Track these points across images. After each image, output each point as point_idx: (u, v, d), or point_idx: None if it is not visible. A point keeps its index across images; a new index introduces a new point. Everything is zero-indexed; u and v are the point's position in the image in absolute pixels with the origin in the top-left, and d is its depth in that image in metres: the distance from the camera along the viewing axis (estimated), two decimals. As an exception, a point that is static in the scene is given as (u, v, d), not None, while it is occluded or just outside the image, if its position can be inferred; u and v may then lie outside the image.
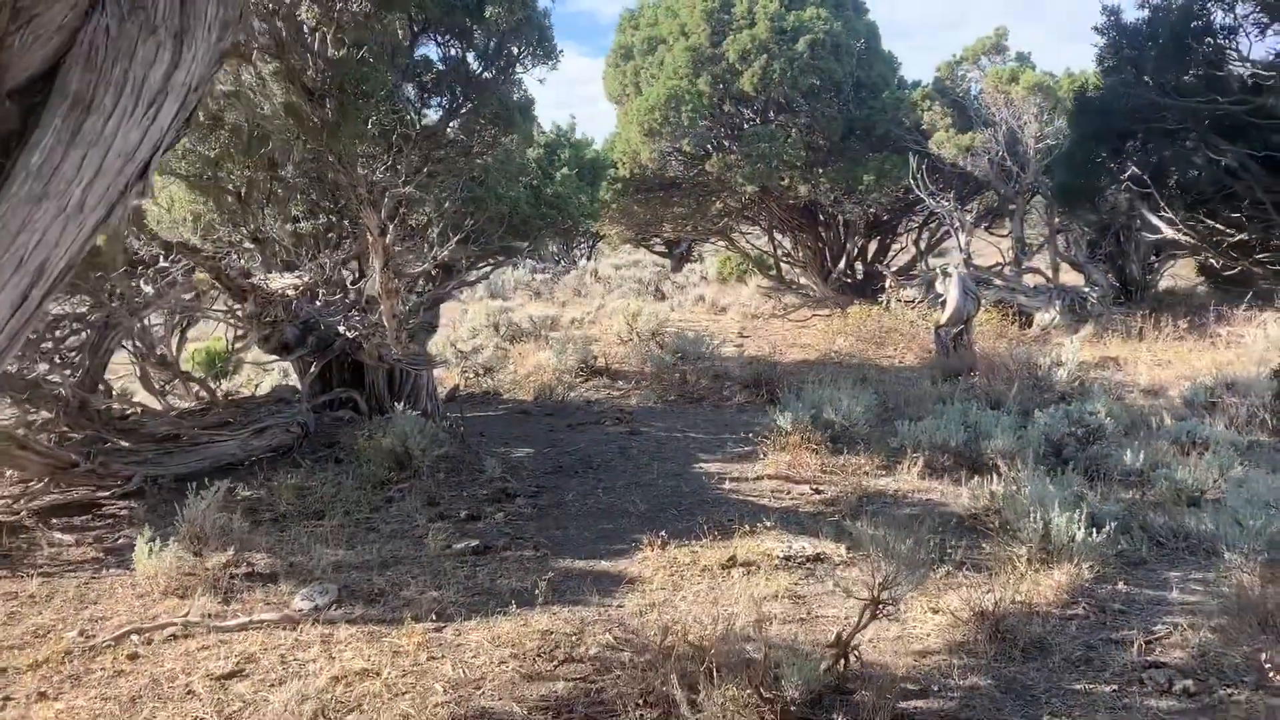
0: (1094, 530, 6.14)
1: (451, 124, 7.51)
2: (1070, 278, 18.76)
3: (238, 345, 8.72)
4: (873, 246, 21.41)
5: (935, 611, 5.77)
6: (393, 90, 6.05)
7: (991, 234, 21.90)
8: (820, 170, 16.46)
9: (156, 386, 10.36)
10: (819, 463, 9.06)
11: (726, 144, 17.22)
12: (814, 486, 8.51)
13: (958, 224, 13.70)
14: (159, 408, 10.16)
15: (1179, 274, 22.67)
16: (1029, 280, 17.00)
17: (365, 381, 11.26)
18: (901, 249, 21.55)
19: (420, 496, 8.51)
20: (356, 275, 8.24)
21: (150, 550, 6.75)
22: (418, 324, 11.65)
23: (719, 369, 14.31)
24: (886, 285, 17.85)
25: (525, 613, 5.90)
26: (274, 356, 9.72)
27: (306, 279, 7.16)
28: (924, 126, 15.21)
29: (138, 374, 10.37)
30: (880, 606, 4.75)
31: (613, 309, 22.91)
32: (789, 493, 8.50)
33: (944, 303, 13.97)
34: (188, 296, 8.80)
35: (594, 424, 11.63)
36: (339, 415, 11.06)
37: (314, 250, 6.75)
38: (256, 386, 13.56)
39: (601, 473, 9.33)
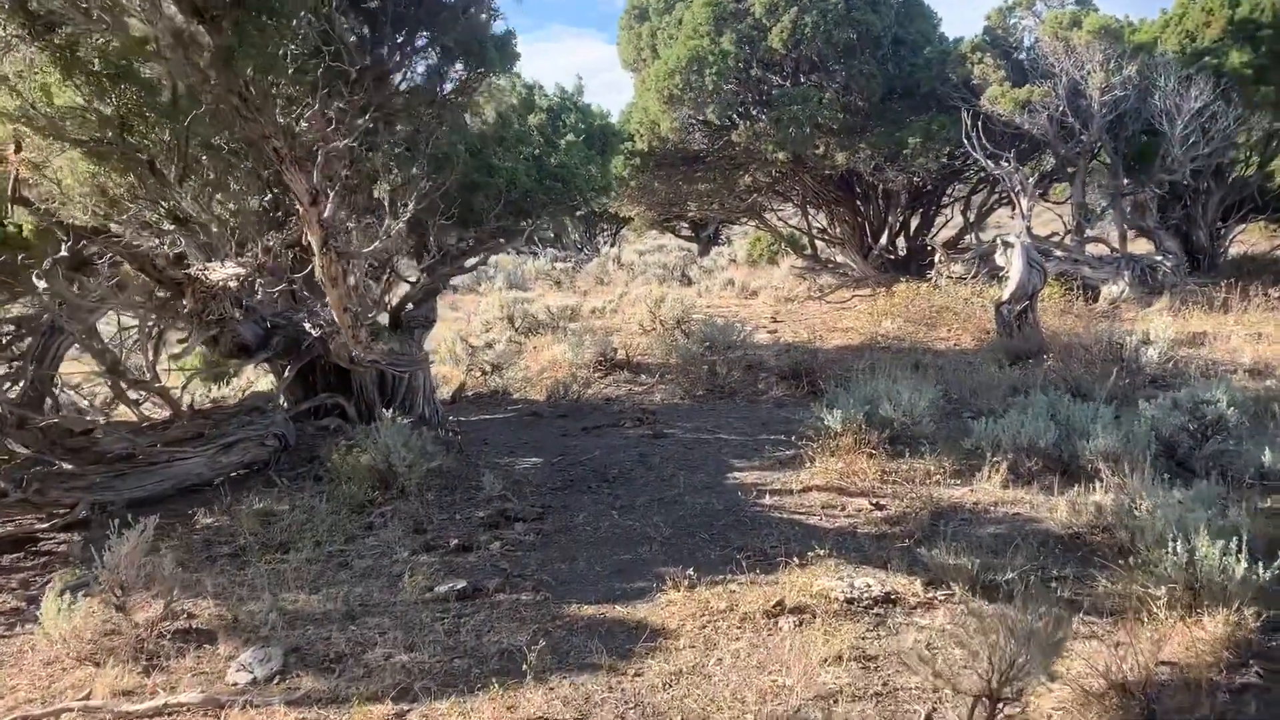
0: (1256, 562, 4.66)
1: (408, 62, 6.09)
2: (1133, 247, 17.11)
3: (176, 352, 7.40)
4: (915, 220, 19.81)
5: (1054, 679, 4.32)
6: (317, 9, 4.69)
7: (1045, 201, 20.24)
8: (859, 135, 14.92)
9: (110, 398, 9.11)
10: (877, 469, 7.62)
11: (754, 111, 15.71)
12: (874, 500, 7.07)
13: (1019, 188, 12.16)
14: (114, 421, 8.90)
15: (1246, 239, 20.92)
16: (1092, 250, 15.40)
17: (353, 385, 9.94)
18: (947, 221, 19.94)
19: (405, 522, 7.18)
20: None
21: (59, 607, 5.46)
22: (408, 317, 10.32)
23: (752, 359, 12.86)
24: (935, 260, 16.31)
25: (514, 688, 4.53)
26: (234, 360, 8.38)
27: (248, 267, 5.82)
28: (974, 82, 13.65)
29: (90, 386, 9.14)
30: (1000, 705, 3.33)
31: (635, 296, 21.51)
32: (843, 508, 7.06)
33: (1005, 277, 12.44)
34: (139, 298, 7.49)
35: (612, 426, 10.24)
36: (324, 424, 9.75)
37: (256, 231, 5.43)
38: (245, 392, 12.28)
39: (619, 487, 7.93)
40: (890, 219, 18.20)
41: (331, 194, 4.80)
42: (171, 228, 5.14)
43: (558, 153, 9.64)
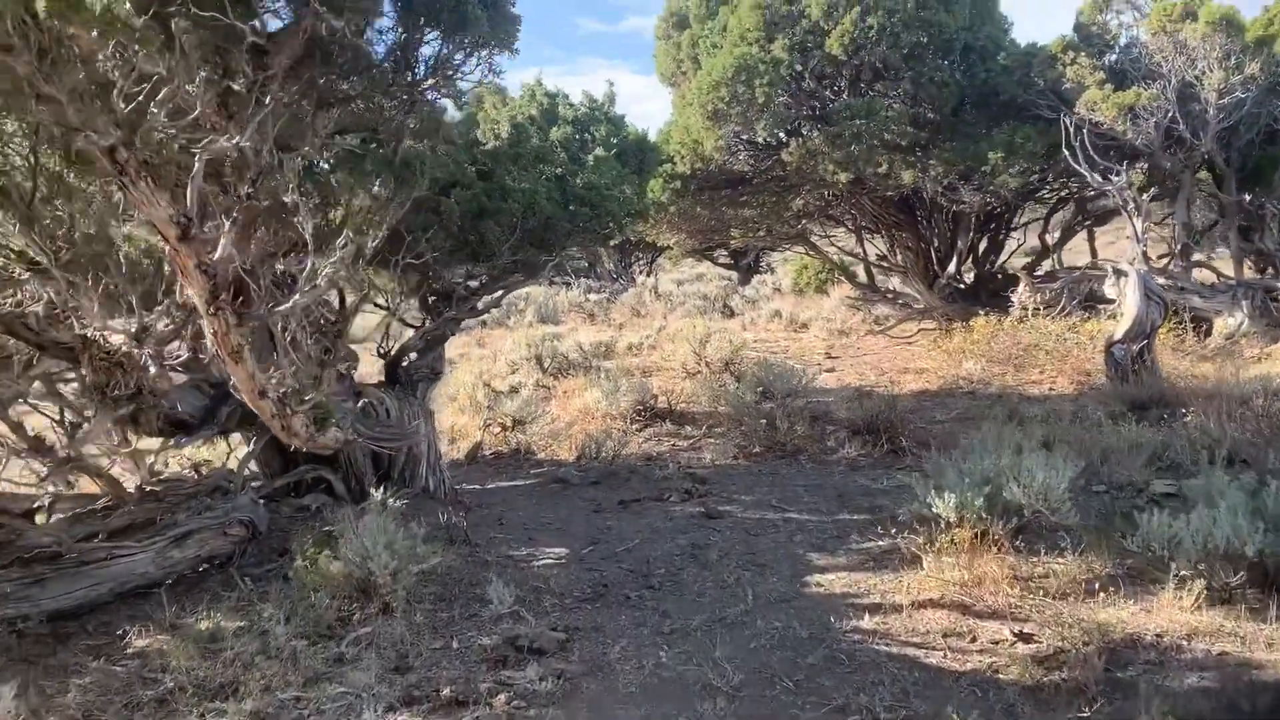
0: None
1: (351, 28, 4.34)
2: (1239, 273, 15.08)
3: (78, 436, 5.71)
4: (982, 245, 17.91)
5: None
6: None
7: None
8: (928, 151, 13.12)
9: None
10: (1010, 577, 5.75)
11: (807, 127, 13.95)
12: (1015, 628, 5.20)
13: (1132, 206, 10.33)
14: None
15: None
16: (1198, 276, 13.46)
17: (340, 454, 8.24)
18: (1019, 246, 18.02)
19: (385, 653, 5.43)
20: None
21: None
22: (409, 370, 8.63)
23: (816, 407, 11.03)
24: (1019, 290, 14.41)
25: None
26: (168, 440, 6.68)
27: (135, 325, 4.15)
28: (1065, 86, 11.83)
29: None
30: None
31: (675, 330, 19.76)
32: (974, 637, 5.21)
33: (1118, 312, 10.55)
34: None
35: (654, 500, 8.43)
36: (304, 504, 8.03)
37: (130, 278, 3.80)
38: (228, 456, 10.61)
39: (667, 597, 6.12)
40: (959, 244, 16.31)
41: (228, 224, 3.11)
42: (25, 274, 3.47)
43: (585, 171, 7.94)
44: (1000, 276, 17.77)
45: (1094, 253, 17.88)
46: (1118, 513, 6.67)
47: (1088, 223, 16.40)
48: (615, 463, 9.95)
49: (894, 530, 6.63)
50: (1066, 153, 11.17)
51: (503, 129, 7.93)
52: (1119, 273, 10.47)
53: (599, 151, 8.03)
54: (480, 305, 8.61)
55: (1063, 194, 15.48)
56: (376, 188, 5.54)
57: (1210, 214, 14.82)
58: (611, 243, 17.01)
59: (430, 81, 5.53)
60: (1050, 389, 11.73)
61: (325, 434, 5.67)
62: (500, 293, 8.60)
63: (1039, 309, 13.70)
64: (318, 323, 5.62)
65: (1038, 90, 12.50)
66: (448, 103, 7.63)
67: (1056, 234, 16.96)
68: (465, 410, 13.24)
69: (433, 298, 8.29)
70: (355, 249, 6.61)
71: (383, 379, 8.65)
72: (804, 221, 18.00)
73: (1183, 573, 5.15)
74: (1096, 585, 5.65)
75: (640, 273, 35.10)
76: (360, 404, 7.49)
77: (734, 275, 33.40)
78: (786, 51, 12.41)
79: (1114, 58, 12.44)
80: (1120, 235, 23.22)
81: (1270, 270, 12.92)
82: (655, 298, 27.09)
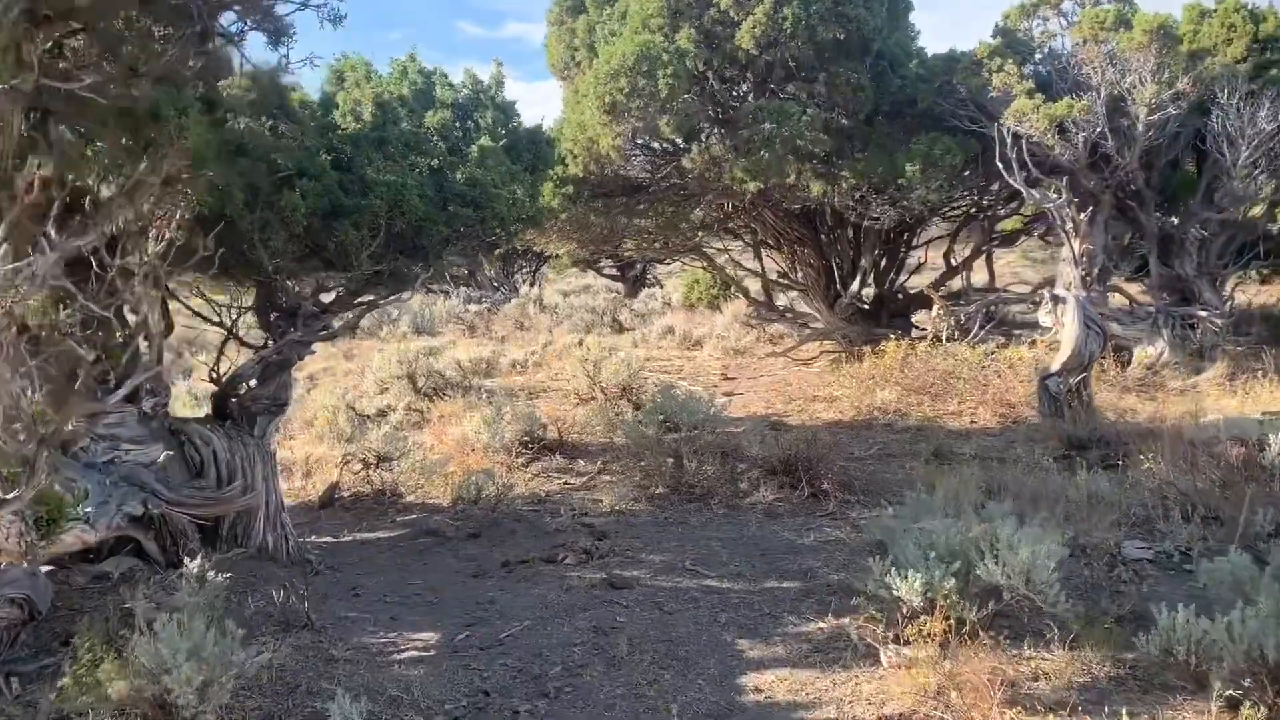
0: None
1: None
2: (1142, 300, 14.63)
3: None
4: (882, 263, 17.11)
5: None
6: None
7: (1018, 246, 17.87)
8: (841, 161, 12.15)
9: None
10: (994, 678, 4.60)
11: (710, 132, 12.83)
12: (1020, 762, 4.05)
13: (1070, 225, 9.55)
14: None
15: (1245, 290, 18.73)
16: (1114, 301, 12.87)
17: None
18: (921, 264, 17.31)
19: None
20: None
21: None
22: (246, 401, 7.06)
23: (724, 441, 9.84)
24: (932, 312, 13.59)
25: None
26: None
27: None
28: (991, 94, 11.01)
29: None
30: None
31: (563, 346, 18.40)
32: (966, 776, 4.03)
33: (1054, 341, 9.72)
34: None
35: (546, 562, 7.06)
36: (103, 571, 6.37)
37: None
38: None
39: (566, 711, 4.76)
40: (863, 261, 15.44)
41: None
42: None
43: (467, 164, 6.52)
44: (902, 297, 17.04)
45: (992, 275, 17.36)
46: (1105, 590, 5.64)
47: (993, 242, 15.79)
48: (498, 508, 8.53)
49: (837, 610, 5.45)
50: (1000, 165, 10.33)
51: (366, 110, 6.46)
52: (1056, 299, 9.67)
53: (485, 141, 6.62)
54: (335, 326, 7.07)
55: (971, 210, 14.77)
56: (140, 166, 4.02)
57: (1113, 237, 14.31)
58: (497, 251, 15.57)
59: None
60: (972, 422, 10.85)
61: (57, 540, 4.15)
62: (360, 310, 7.08)
63: (953, 333, 12.89)
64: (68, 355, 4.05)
65: (957, 99, 11.67)
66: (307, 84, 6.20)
67: (963, 253, 16.29)
68: (324, 438, 11.60)
69: (275, 315, 6.74)
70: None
71: (212, 413, 7.03)
72: (701, 234, 16.90)
73: (1229, 692, 4.07)
74: (1098, 692, 4.56)
75: (524, 282, 33.60)
76: (162, 454, 5.86)
77: (621, 288, 32.22)
78: (692, 42, 11.25)
79: (1039, 68, 11.70)
80: (1016, 257, 22.99)
81: (1187, 297, 12.41)
82: (540, 310, 25.66)
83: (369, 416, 13.34)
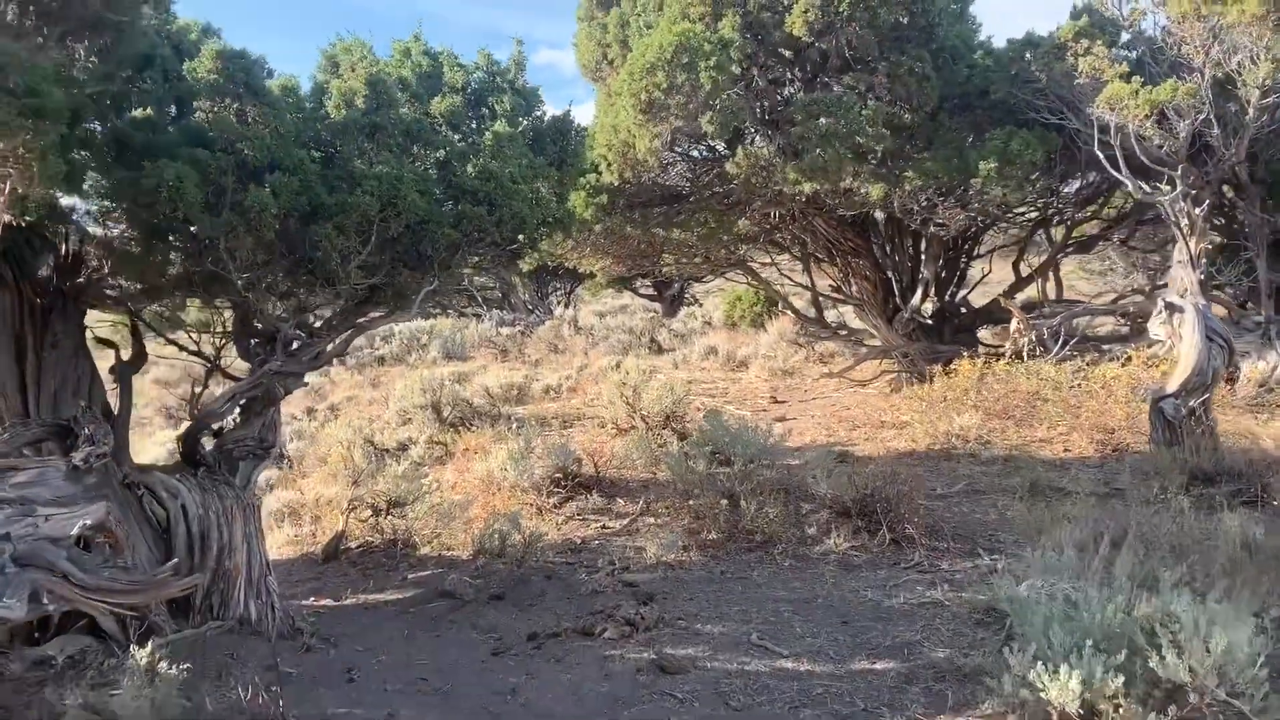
0: None
1: None
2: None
3: None
4: (941, 275, 15.76)
5: None
6: None
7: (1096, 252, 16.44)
8: (904, 160, 10.90)
9: None
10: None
11: (756, 133, 11.64)
12: None
13: (1185, 222, 8.25)
14: None
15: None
16: (1217, 310, 11.45)
17: (112, 572, 5.47)
18: (985, 274, 15.96)
19: None
20: None
21: None
22: (226, 445, 5.94)
23: (785, 476, 8.59)
24: (1012, 326, 12.24)
25: None
26: None
27: None
28: (1079, 80, 9.72)
29: None
30: None
31: (600, 369, 17.24)
32: None
33: (1170, 356, 8.40)
34: None
35: (581, 634, 5.84)
36: (46, 656, 5.25)
37: None
38: None
39: None
40: (925, 272, 14.12)
41: None
42: None
43: (480, 155, 5.37)
44: (965, 311, 15.68)
45: (1060, 285, 15.94)
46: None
47: (1068, 249, 14.41)
48: (525, 562, 7.33)
49: (955, 708, 4.19)
50: (1104, 158, 9.02)
51: (358, 96, 5.34)
52: (1172, 307, 8.34)
53: (500, 126, 5.48)
54: (323, 354, 5.92)
55: (1047, 214, 13.42)
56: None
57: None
58: (523, 264, 14.38)
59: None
60: (1066, 450, 9.51)
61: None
62: (350, 335, 5.92)
63: (1034, 349, 11.55)
64: None
65: (1035, 89, 10.38)
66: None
67: (1033, 262, 14.95)
68: (339, 476, 10.51)
69: (253, 340, 5.61)
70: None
71: (182, 459, 5.92)
72: (745, 247, 15.69)
73: None
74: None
75: (558, 304, 32.58)
76: (86, 521, 4.69)
77: (658, 307, 31.07)
78: (737, 31, 10.06)
79: (1128, 52, 10.38)
80: (1072, 269, 21.50)
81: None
82: (575, 331, 24.54)
83: (388, 451, 12.25)
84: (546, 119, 6.37)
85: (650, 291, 32.61)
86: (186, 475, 5.72)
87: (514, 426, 12.13)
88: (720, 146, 12.68)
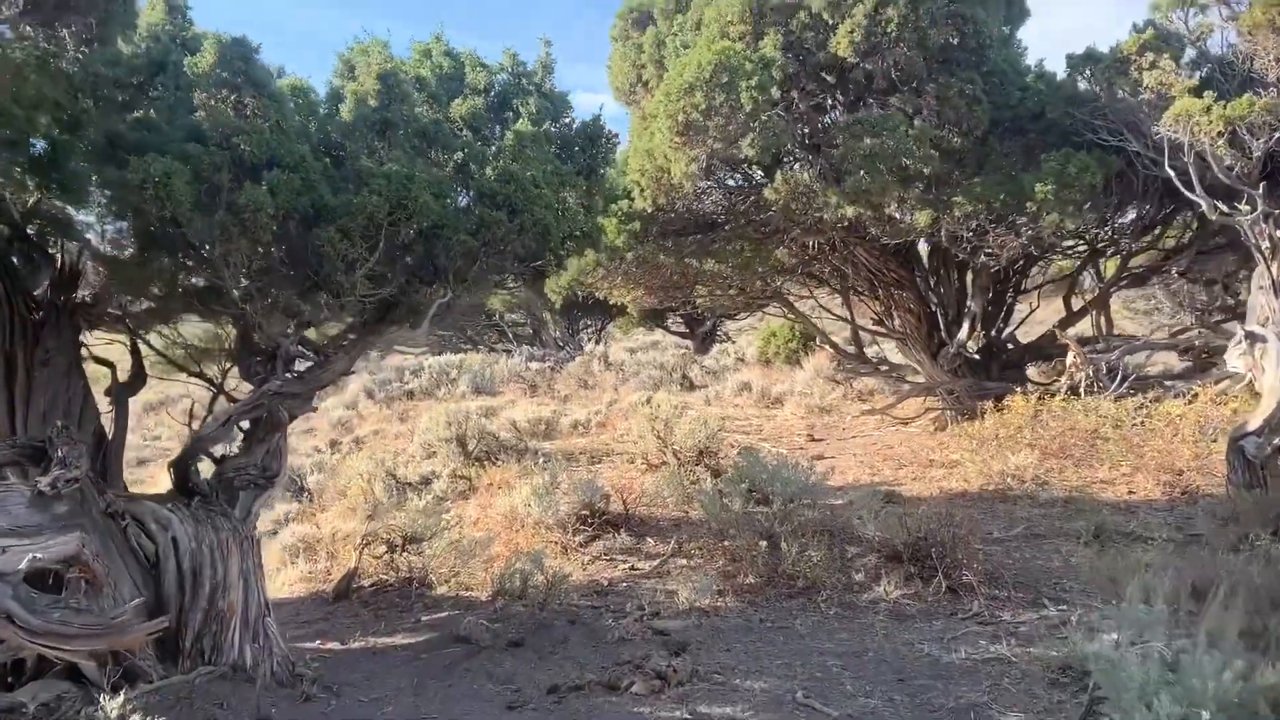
0: None
1: None
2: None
3: None
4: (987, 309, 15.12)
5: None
6: None
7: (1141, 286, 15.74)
8: (951, 186, 10.37)
9: None
10: None
11: (796, 157, 11.17)
12: None
13: (1266, 247, 7.65)
14: None
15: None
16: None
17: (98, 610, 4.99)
18: (1033, 310, 15.32)
19: None
20: None
21: None
22: (225, 474, 5.46)
23: (828, 517, 8.01)
24: (1070, 360, 11.60)
25: None
26: None
27: None
28: (1144, 97, 9.17)
29: None
30: None
31: (630, 405, 16.70)
32: None
33: (1245, 390, 7.76)
34: None
35: (606, 689, 5.27)
36: (17, 705, 4.76)
37: None
38: None
39: None
40: (972, 305, 13.51)
41: None
42: None
43: (499, 156, 4.91)
44: (1013, 346, 15.03)
45: (1110, 322, 15.24)
46: None
47: (1122, 282, 13.75)
48: (548, 604, 6.78)
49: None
50: (1175, 178, 8.44)
51: (370, 96, 4.90)
52: (1253, 338, 7.70)
53: (523, 124, 5.02)
54: (325, 375, 5.44)
55: (1103, 244, 12.78)
56: None
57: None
58: (552, 295, 13.88)
59: None
60: (1130, 492, 8.83)
61: None
62: (355, 351, 5.44)
63: (1091, 385, 10.89)
64: None
65: (1093, 108, 9.84)
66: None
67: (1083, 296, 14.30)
68: (358, 510, 10.05)
69: (254, 358, 5.16)
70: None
71: (174, 487, 5.45)
72: (782, 279, 15.17)
73: None
74: None
75: (589, 340, 32.19)
76: (34, 555, 4.20)
77: (690, 344, 30.54)
78: (779, 50, 9.62)
79: (1197, 70, 9.80)
80: (1115, 308, 20.74)
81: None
82: (605, 367, 24.05)
83: (410, 485, 11.77)
84: (575, 126, 5.91)
85: (682, 329, 32.17)
86: (179, 505, 5.25)
87: (540, 461, 11.62)
88: (758, 174, 12.23)
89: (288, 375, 4.97)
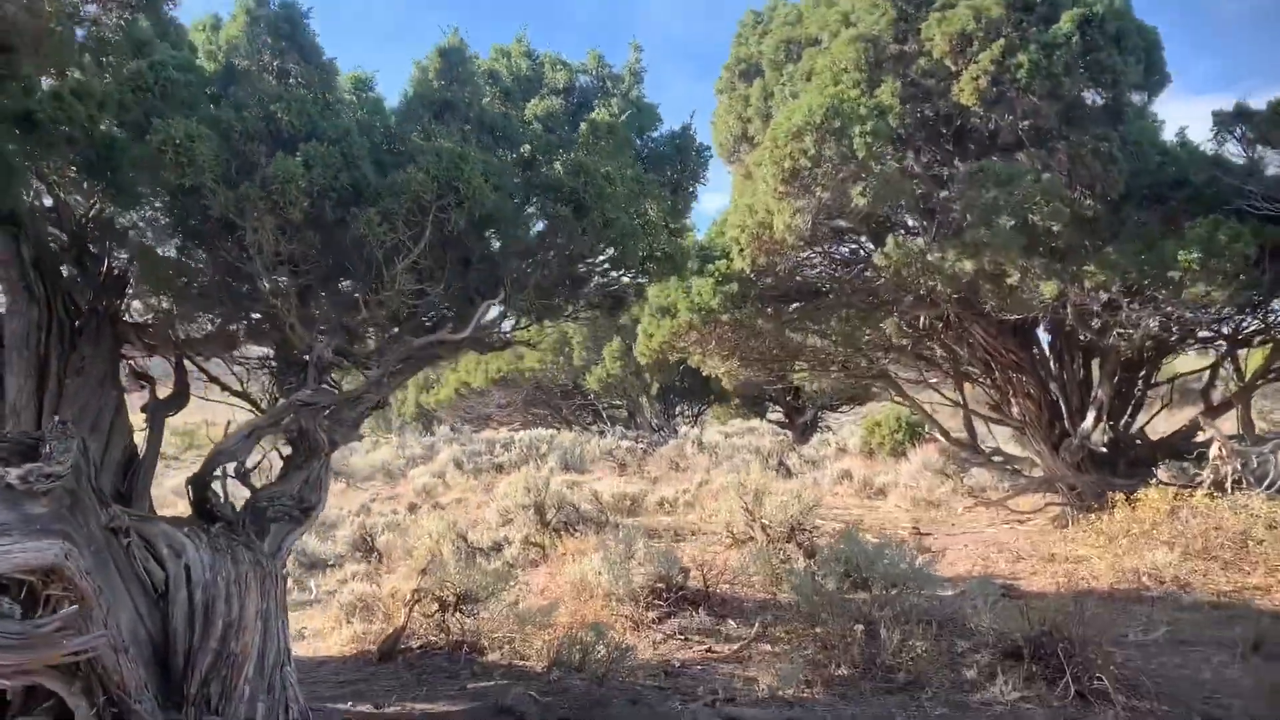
0: None
1: None
2: None
3: None
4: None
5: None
6: None
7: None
8: (1082, 254, 9.45)
9: None
10: None
11: (911, 220, 10.43)
12: None
13: None
14: None
15: None
16: None
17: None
18: (1166, 404, 14.01)
19: None
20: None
21: None
22: (256, 508, 4.91)
23: (934, 607, 7.02)
24: (1213, 452, 10.38)
25: None
26: None
27: None
28: (1308, 154, 8.26)
29: None
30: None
31: (720, 487, 15.81)
32: None
33: None
34: None
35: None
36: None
37: None
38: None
39: None
40: (1100, 393, 12.36)
41: None
42: None
43: (570, 149, 4.33)
44: (1142, 442, 13.70)
45: (1250, 421, 13.78)
46: None
47: (1271, 375, 12.41)
48: (608, 680, 5.96)
49: None
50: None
51: (430, 73, 4.40)
52: None
53: (601, 114, 4.45)
54: (365, 400, 4.82)
55: (1256, 328, 11.54)
56: None
57: None
58: (643, 356, 13.26)
59: None
60: (1293, 601, 7.58)
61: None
62: (398, 364, 4.80)
63: (1240, 481, 9.65)
64: None
65: (1245, 171, 8.89)
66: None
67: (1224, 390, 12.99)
68: (427, 571, 9.43)
69: (279, 365, 4.61)
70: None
71: (193, 511, 4.90)
72: (888, 357, 14.27)
73: None
74: None
75: (684, 424, 31.46)
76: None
77: (789, 434, 29.48)
78: (896, 97, 8.97)
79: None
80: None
81: None
82: (698, 450, 23.20)
83: (480, 550, 11.13)
84: (663, 137, 5.32)
85: (781, 418, 31.22)
86: (197, 531, 4.69)
87: (621, 534, 10.87)
88: (867, 244, 11.52)
89: (322, 386, 4.40)
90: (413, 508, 16.17)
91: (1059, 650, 5.84)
